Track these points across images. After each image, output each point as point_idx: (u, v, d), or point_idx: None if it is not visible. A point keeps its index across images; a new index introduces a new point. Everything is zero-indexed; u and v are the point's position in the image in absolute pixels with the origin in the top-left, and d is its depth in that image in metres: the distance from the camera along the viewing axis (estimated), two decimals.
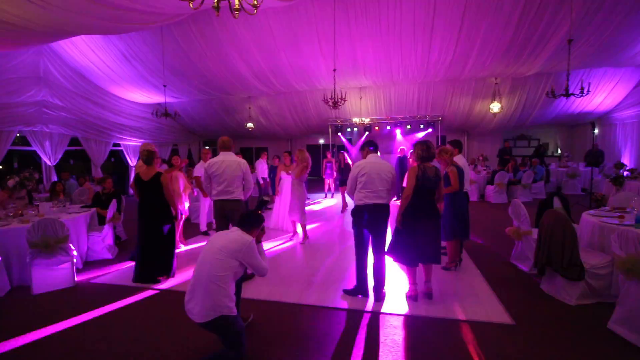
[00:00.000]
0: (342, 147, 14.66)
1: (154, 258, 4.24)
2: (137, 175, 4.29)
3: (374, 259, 3.64)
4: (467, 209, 4.45)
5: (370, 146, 3.76)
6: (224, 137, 4.37)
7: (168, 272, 4.35)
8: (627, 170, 8.92)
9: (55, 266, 4.02)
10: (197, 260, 2.51)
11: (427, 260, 3.55)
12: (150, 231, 4.23)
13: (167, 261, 4.34)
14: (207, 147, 7.52)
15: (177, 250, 5.57)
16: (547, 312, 3.30)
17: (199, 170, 6.37)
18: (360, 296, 3.66)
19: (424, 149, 3.53)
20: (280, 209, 6.86)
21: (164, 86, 9.81)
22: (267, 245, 5.73)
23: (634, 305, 2.75)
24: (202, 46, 8.83)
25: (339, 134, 13.92)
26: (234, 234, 2.54)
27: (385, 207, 3.59)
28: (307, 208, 7.36)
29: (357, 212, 3.61)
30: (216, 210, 4.29)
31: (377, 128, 13.44)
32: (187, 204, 5.97)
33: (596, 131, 10.48)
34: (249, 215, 2.68)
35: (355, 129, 13.74)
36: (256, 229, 2.67)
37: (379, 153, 3.77)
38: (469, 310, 3.35)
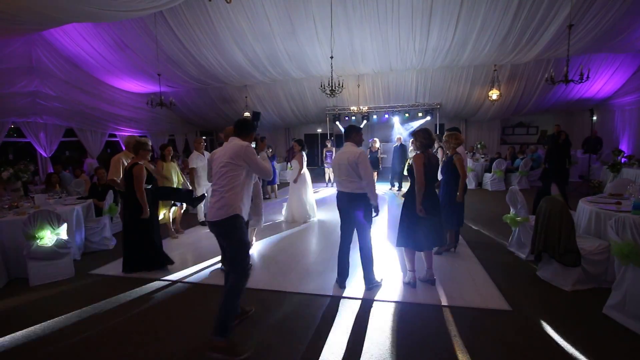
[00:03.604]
0: (340, 136, 14.57)
1: (137, 248, 4.19)
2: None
3: (359, 247, 3.61)
4: (463, 197, 4.44)
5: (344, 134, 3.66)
6: (229, 127, 4.33)
7: (162, 261, 4.31)
8: (625, 157, 8.92)
9: (52, 258, 4.01)
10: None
11: (433, 244, 3.58)
12: (127, 222, 4.22)
13: (155, 252, 4.26)
14: (203, 137, 7.40)
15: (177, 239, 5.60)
16: (544, 297, 3.33)
17: (193, 161, 6.20)
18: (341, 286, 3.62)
19: (426, 137, 3.51)
20: (291, 201, 6.76)
21: (159, 75, 9.64)
22: (266, 236, 5.73)
23: (630, 290, 2.77)
24: (196, 33, 8.66)
25: (337, 122, 13.81)
26: (232, 142, 2.79)
27: (353, 196, 3.46)
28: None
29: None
30: None
31: (375, 116, 13.35)
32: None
33: (595, 118, 10.42)
34: (241, 122, 2.94)
35: (354, 118, 13.62)
36: (251, 134, 2.93)
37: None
38: (466, 296, 3.37)
